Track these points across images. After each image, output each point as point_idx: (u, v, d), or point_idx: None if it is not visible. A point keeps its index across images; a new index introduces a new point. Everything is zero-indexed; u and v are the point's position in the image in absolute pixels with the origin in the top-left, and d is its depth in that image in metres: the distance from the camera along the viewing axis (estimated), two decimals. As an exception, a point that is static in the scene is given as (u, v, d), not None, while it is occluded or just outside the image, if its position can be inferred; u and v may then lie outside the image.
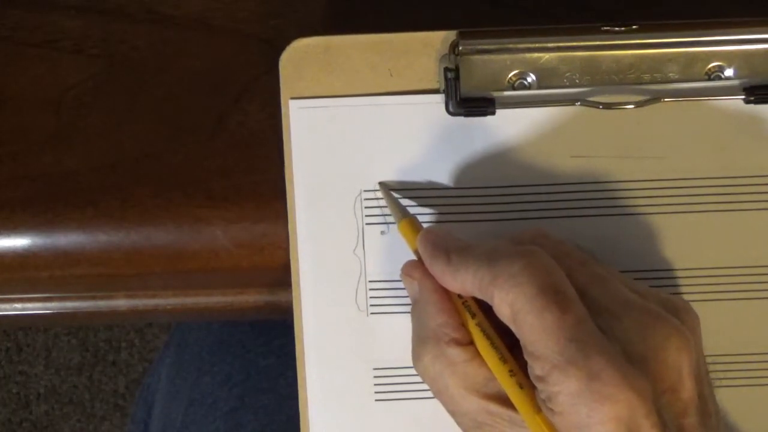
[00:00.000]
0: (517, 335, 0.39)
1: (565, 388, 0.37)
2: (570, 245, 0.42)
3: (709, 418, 0.40)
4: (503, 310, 0.39)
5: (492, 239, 0.43)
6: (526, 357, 0.39)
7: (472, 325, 0.41)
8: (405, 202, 0.46)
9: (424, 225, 0.45)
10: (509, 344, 0.41)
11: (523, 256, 0.39)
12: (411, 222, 0.44)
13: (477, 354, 0.41)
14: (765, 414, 0.47)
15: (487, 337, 0.41)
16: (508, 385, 0.40)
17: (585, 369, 0.37)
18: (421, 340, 0.42)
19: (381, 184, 0.46)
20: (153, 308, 0.52)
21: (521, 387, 0.40)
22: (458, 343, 0.41)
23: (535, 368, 0.38)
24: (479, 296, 0.40)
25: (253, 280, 0.50)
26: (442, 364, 0.41)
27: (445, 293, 0.42)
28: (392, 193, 0.46)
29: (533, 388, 0.39)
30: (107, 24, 0.49)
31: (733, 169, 0.46)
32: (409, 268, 0.44)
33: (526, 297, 0.38)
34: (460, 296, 0.42)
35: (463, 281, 0.41)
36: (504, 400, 0.40)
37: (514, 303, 0.39)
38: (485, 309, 0.41)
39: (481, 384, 0.41)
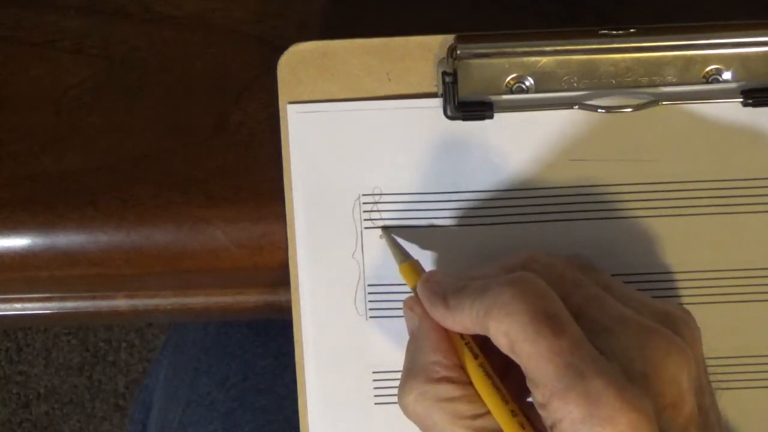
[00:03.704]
0: (519, 364, 0.39)
1: (567, 415, 0.37)
2: (562, 266, 0.42)
3: (712, 430, 0.40)
4: (500, 341, 0.39)
5: (483, 266, 0.43)
6: (528, 385, 0.39)
7: (473, 365, 0.41)
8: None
9: (428, 228, 0.46)
10: (502, 372, 0.41)
11: (513, 284, 0.39)
12: (412, 265, 0.45)
13: (467, 391, 0.41)
14: (765, 416, 0.47)
15: (489, 377, 0.41)
16: (509, 426, 0.40)
17: (584, 394, 0.36)
18: (410, 376, 0.42)
19: (383, 228, 0.46)
20: (153, 308, 0.52)
21: (523, 427, 0.40)
22: (450, 381, 0.41)
23: (537, 396, 0.38)
24: (478, 331, 0.40)
25: (253, 280, 0.50)
26: (429, 401, 0.41)
27: (444, 333, 0.42)
28: (393, 235, 0.46)
29: (537, 427, 0.39)
30: (107, 24, 0.49)
31: (732, 172, 0.46)
32: (412, 303, 0.43)
33: (519, 325, 0.38)
34: (462, 337, 0.42)
35: (462, 320, 0.41)
36: None
37: (509, 332, 0.38)
38: (483, 343, 0.41)
39: (471, 419, 0.40)
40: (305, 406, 0.47)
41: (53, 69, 0.49)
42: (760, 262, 0.47)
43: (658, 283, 0.46)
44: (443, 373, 0.41)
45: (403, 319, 0.46)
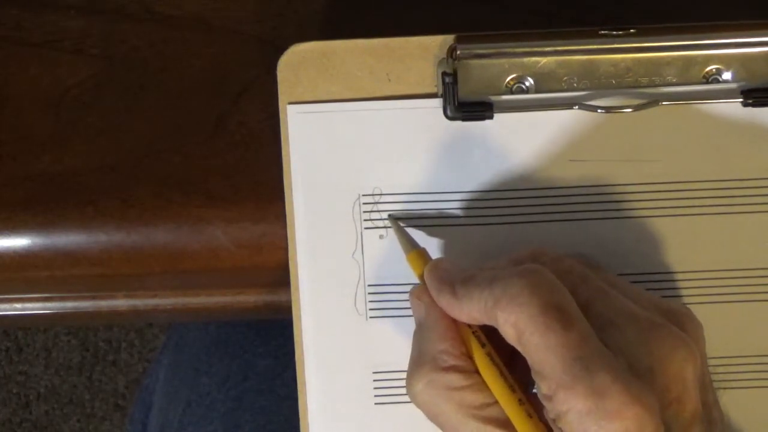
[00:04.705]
0: (524, 355, 0.39)
1: (572, 407, 0.37)
2: (570, 261, 0.42)
3: (715, 426, 0.40)
4: (508, 332, 0.39)
5: (492, 261, 0.43)
6: (533, 376, 0.39)
7: (481, 354, 0.41)
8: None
9: (431, 227, 0.46)
10: (506, 363, 0.41)
11: (523, 276, 0.39)
12: (419, 254, 0.45)
13: (475, 380, 0.41)
14: (765, 416, 0.47)
15: (496, 366, 0.41)
16: (516, 415, 0.40)
17: (591, 387, 0.37)
18: (418, 365, 0.42)
19: (390, 217, 0.46)
20: (153, 308, 0.52)
21: (530, 416, 0.40)
22: (457, 370, 0.41)
23: (542, 387, 0.38)
24: (486, 321, 0.40)
25: (253, 280, 0.50)
26: (437, 390, 0.41)
27: (451, 322, 0.42)
28: (400, 223, 0.46)
29: (542, 417, 0.39)
30: (107, 24, 0.49)
31: (732, 172, 0.46)
32: (419, 292, 0.43)
33: (528, 317, 0.38)
34: (469, 326, 0.42)
35: (470, 310, 0.41)
36: (502, 423, 0.40)
37: (517, 324, 0.38)
38: (488, 333, 0.41)
39: (479, 408, 0.41)
40: (305, 406, 0.47)
41: (53, 69, 0.49)
42: (760, 262, 0.47)
43: (658, 283, 0.46)
44: (451, 362, 0.41)
45: (403, 319, 0.46)
